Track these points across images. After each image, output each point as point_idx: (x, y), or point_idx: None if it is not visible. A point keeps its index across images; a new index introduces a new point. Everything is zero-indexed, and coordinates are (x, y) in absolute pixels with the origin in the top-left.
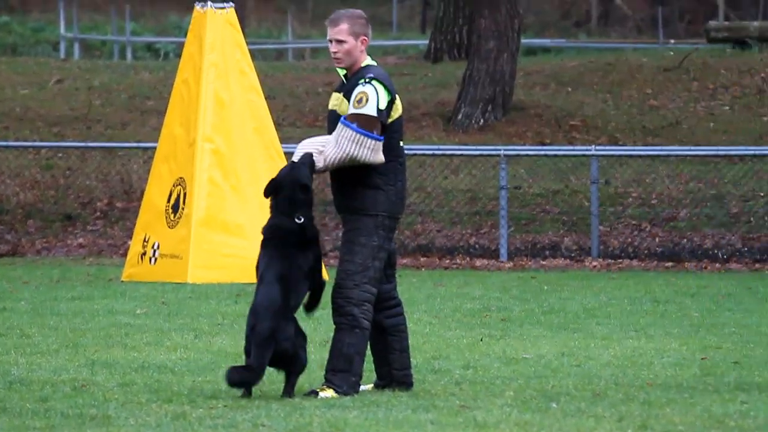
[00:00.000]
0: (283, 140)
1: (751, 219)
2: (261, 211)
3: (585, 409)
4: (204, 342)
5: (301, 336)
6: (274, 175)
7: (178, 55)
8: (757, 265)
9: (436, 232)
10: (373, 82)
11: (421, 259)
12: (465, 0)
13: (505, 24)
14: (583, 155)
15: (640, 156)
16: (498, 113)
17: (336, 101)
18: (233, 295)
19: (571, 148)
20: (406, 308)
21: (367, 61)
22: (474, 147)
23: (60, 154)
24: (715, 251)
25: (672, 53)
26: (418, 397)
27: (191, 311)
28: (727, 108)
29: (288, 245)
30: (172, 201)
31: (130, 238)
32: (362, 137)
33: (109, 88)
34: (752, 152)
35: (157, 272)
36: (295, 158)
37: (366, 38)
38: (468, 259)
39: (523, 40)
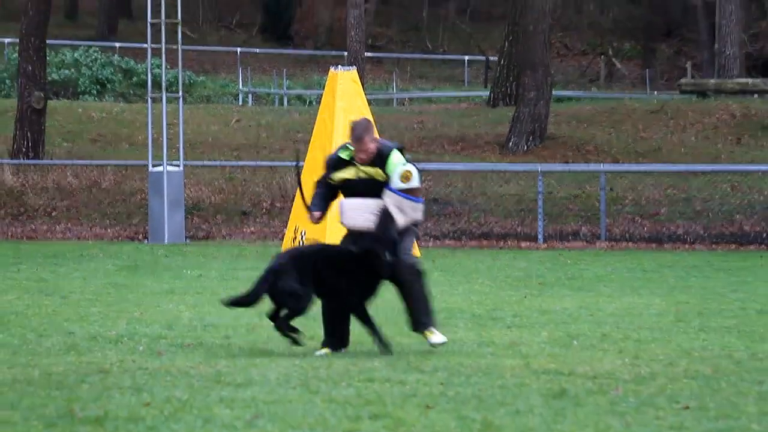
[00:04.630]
0: None
1: (710, 214)
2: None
3: (596, 345)
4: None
5: None
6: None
7: (319, 102)
8: (713, 246)
9: (494, 223)
10: (407, 161)
11: (484, 242)
12: (514, 64)
13: (541, 80)
14: (595, 171)
15: (634, 171)
16: (537, 142)
17: (355, 173)
18: None
19: (586, 165)
20: (473, 277)
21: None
22: (520, 164)
23: (238, 170)
24: (685, 236)
25: (656, 101)
26: (481, 336)
27: None
28: (693, 139)
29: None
30: None
31: (286, 227)
32: (417, 204)
33: (272, 125)
34: (710, 169)
35: None
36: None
37: (377, 135)
38: (516, 242)
39: (554, 92)
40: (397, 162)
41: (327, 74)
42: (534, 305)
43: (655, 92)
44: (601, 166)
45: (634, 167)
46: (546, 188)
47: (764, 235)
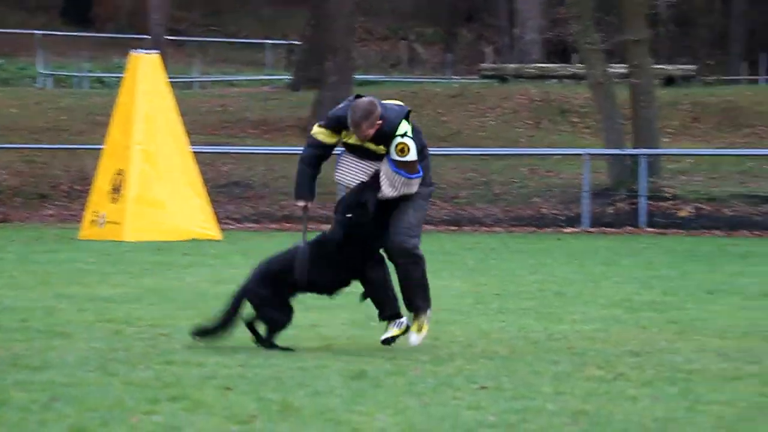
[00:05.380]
0: (190, 143)
1: (508, 198)
2: (175, 193)
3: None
4: (135, 281)
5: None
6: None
7: (120, 85)
8: (512, 229)
9: (296, 206)
10: (407, 133)
11: (285, 225)
12: (317, 48)
13: (344, 64)
14: None
15: (434, 155)
16: None
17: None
18: (155, 249)
19: None
20: None
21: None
22: None
23: (38, 153)
24: (484, 219)
25: (456, 85)
26: None
27: (127, 260)
28: (493, 123)
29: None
30: (115, 185)
31: (86, 210)
32: (412, 179)
33: (72, 108)
34: (509, 152)
35: (104, 234)
36: (351, 177)
37: (380, 120)
38: (317, 224)
39: (356, 76)
40: (398, 133)
41: (128, 57)
42: None
43: (456, 77)
44: None
45: (434, 151)
46: None
47: (561, 217)
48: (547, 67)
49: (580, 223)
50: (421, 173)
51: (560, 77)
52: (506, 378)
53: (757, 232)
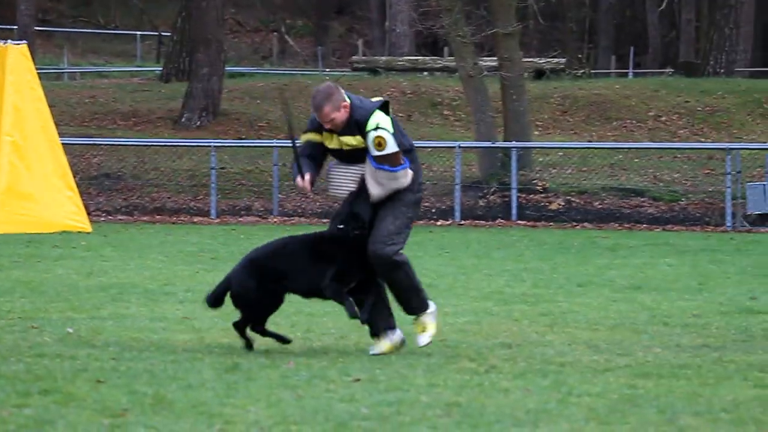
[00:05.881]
0: (60, 135)
1: None
2: (45, 185)
3: (268, 319)
4: (5, 274)
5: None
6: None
7: None
8: None
9: (167, 198)
10: (379, 125)
11: (156, 217)
12: (188, 40)
13: (215, 56)
14: (269, 146)
15: None
16: (210, 117)
17: (337, 143)
18: (25, 242)
19: (260, 141)
20: (145, 252)
21: (351, 105)
22: (193, 141)
23: None
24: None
25: (328, 78)
26: (154, 311)
27: None
28: None
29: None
30: None
31: None
32: (397, 172)
33: None
34: None
35: None
36: (342, 184)
37: (345, 102)
38: (189, 216)
39: (227, 68)
40: (370, 126)
41: None
42: (207, 280)
43: (327, 69)
44: (275, 142)
45: None
46: (219, 164)
47: (433, 210)
48: (418, 59)
49: (452, 215)
50: (407, 164)
51: (431, 70)
52: (380, 370)
53: (626, 225)
